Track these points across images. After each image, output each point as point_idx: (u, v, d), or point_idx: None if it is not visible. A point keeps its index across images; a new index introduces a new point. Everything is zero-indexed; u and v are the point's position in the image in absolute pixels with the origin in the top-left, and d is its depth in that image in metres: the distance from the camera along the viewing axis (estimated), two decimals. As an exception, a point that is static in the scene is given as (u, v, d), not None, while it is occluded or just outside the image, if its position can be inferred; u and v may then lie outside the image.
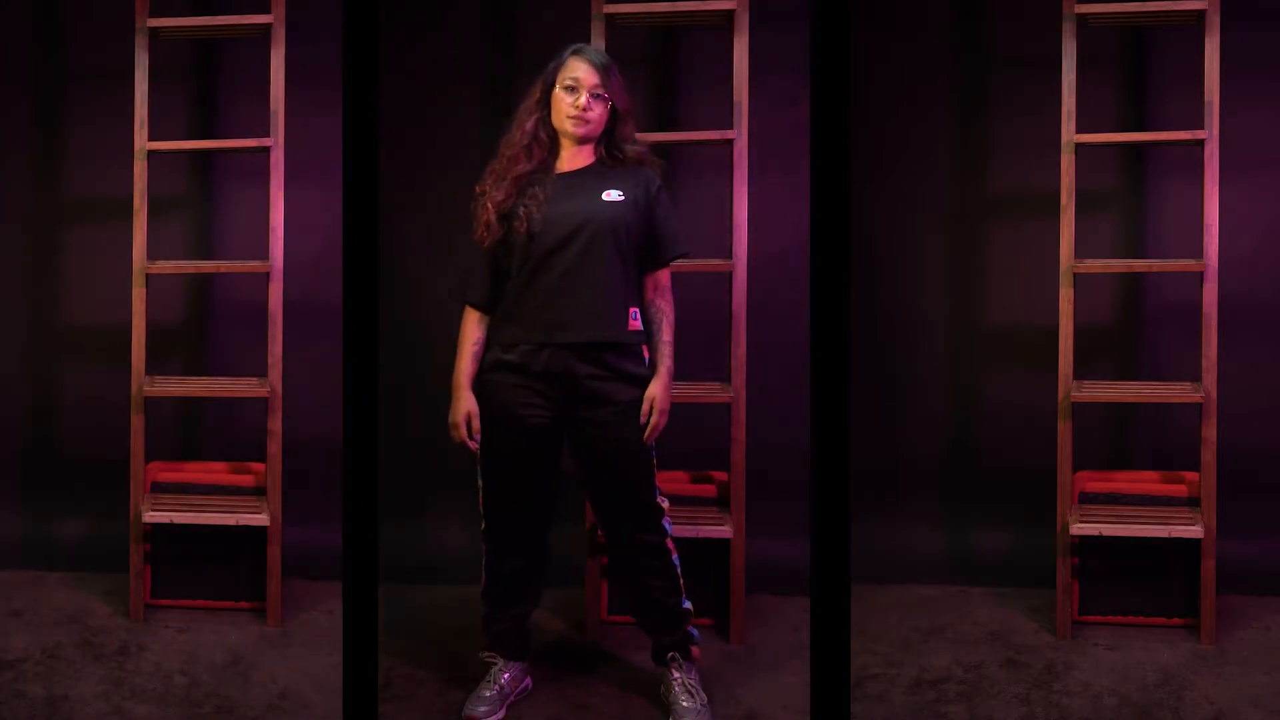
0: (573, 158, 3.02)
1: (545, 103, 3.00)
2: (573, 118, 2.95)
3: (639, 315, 2.99)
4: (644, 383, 2.97)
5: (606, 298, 2.93)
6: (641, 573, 3.05)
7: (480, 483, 3.03)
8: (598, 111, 2.96)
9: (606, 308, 2.93)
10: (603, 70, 2.96)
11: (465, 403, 2.98)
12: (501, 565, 3.07)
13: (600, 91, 2.95)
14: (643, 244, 2.99)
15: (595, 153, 3.03)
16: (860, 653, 3.31)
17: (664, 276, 3.04)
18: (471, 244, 3.02)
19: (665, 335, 3.00)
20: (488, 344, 3.00)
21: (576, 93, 2.95)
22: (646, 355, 3.00)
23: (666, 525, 3.05)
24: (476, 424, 2.97)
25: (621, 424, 2.95)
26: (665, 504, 3.05)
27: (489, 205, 2.97)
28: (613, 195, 2.96)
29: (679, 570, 3.06)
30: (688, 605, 3.09)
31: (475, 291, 3.02)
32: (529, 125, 3.01)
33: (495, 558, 3.07)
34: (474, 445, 2.98)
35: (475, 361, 3.00)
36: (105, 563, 3.85)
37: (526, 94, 3.04)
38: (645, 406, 2.95)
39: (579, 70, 2.95)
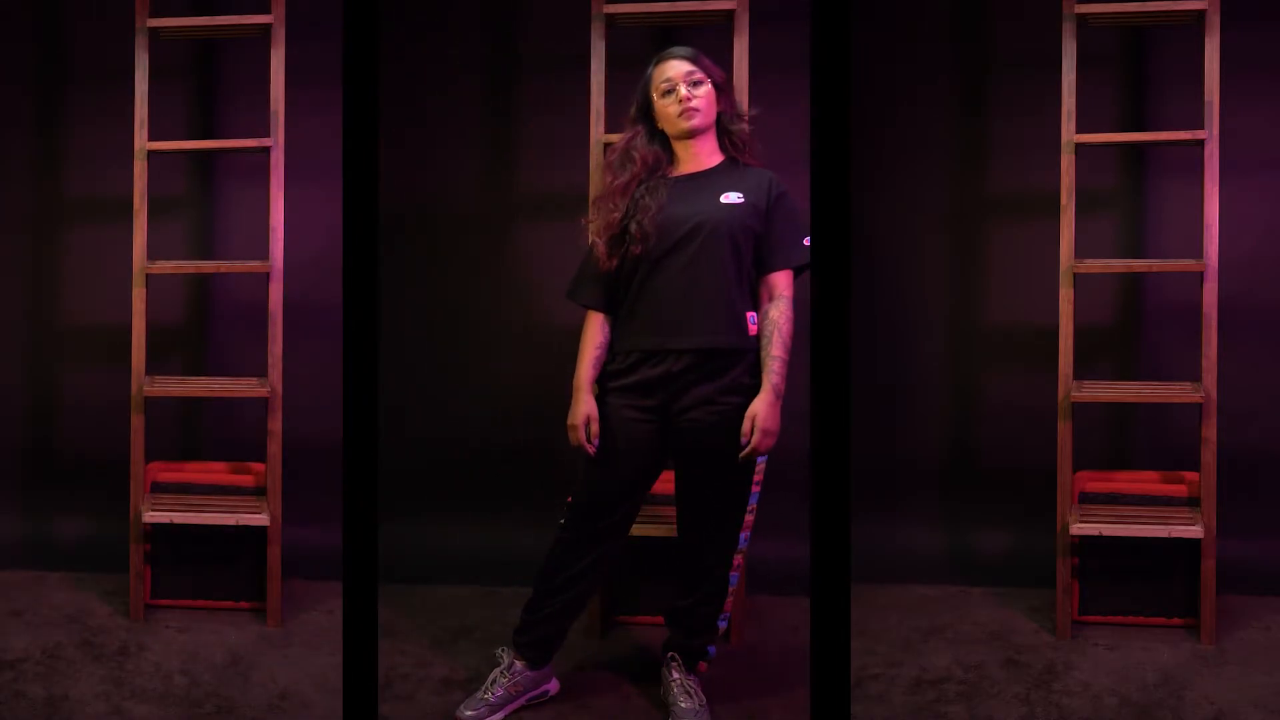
0: (694, 159, 2.98)
1: (642, 117, 2.98)
2: (681, 113, 2.91)
3: (758, 321, 2.92)
4: (752, 392, 2.89)
5: (721, 302, 2.87)
6: (698, 577, 3.02)
7: (580, 481, 2.97)
8: (702, 95, 2.93)
9: (721, 312, 2.87)
10: (691, 58, 2.94)
11: (585, 405, 2.94)
12: (566, 554, 2.98)
13: (696, 76, 2.92)
14: (760, 248, 2.92)
15: (722, 150, 2.99)
16: (860, 653, 3.31)
17: (781, 283, 2.92)
18: (585, 248, 3.02)
19: (775, 350, 2.87)
20: (611, 349, 2.98)
21: (674, 91, 2.92)
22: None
23: (743, 539, 3.01)
24: (595, 427, 2.93)
25: (722, 430, 2.87)
26: (752, 516, 2.99)
27: (599, 233, 2.95)
28: (731, 198, 2.91)
29: (731, 587, 3.03)
30: (723, 624, 3.07)
31: (590, 295, 2.99)
32: (620, 143, 3.00)
33: (562, 548, 2.99)
34: (591, 448, 2.94)
35: (596, 366, 2.97)
36: (105, 563, 3.85)
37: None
38: (746, 425, 2.85)
39: (668, 70, 2.94)
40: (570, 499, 3.00)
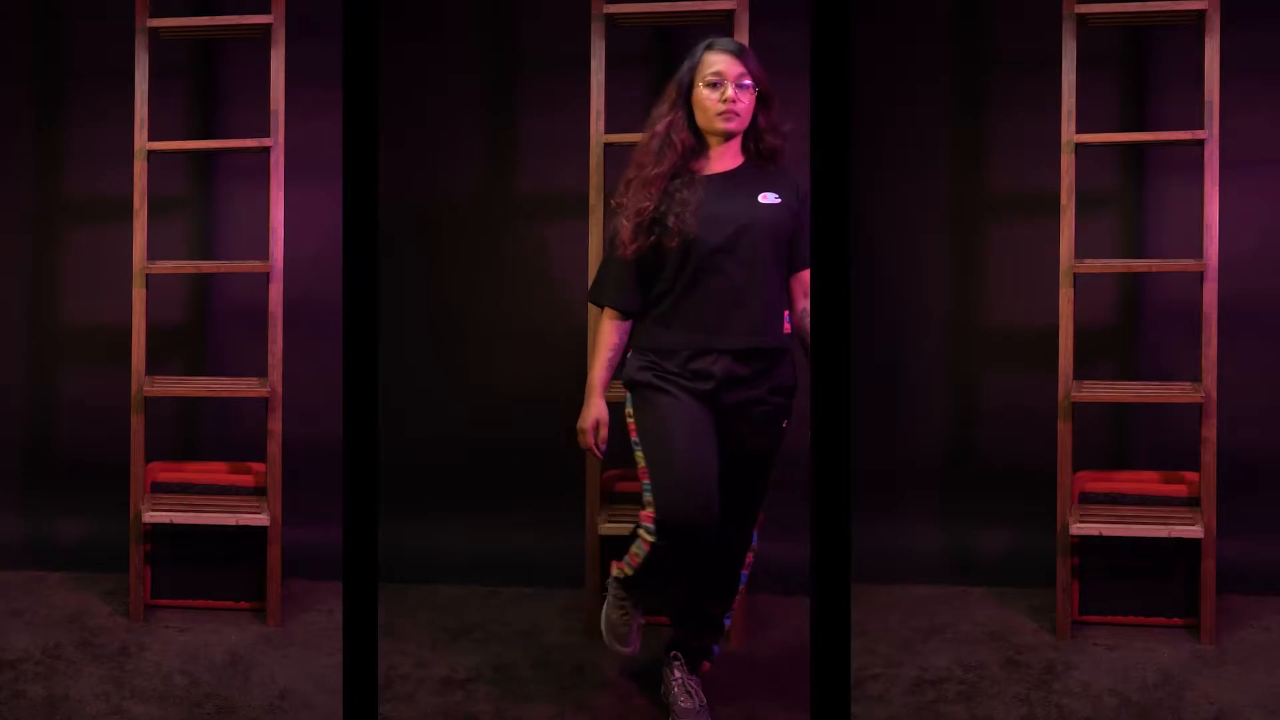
0: (720, 157, 2.93)
1: (683, 103, 2.91)
2: (722, 113, 2.86)
3: (788, 319, 2.92)
4: (791, 393, 2.90)
5: (767, 303, 2.86)
6: (707, 576, 3.00)
7: (649, 479, 2.80)
8: (746, 102, 2.87)
9: (766, 313, 2.86)
10: (742, 58, 2.88)
11: (595, 409, 2.90)
12: (667, 553, 2.80)
13: (745, 80, 2.87)
14: (790, 247, 2.91)
15: (744, 150, 2.94)
16: (860, 653, 3.31)
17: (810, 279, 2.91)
18: (611, 251, 2.92)
19: None
20: (636, 349, 2.91)
21: (721, 87, 2.86)
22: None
23: (754, 537, 3.00)
24: (605, 432, 2.90)
25: (759, 432, 2.88)
26: (762, 515, 2.99)
27: (627, 217, 2.86)
28: (770, 199, 2.88)
29: (741, 585, 3.03)
30: (728, 623, 3.07)
31: (619, 297, 2.91)
32: (660, 128, 2.91)
33: (661, 550, 2.80)
34: (599, 454, 2.92)
35: (611, 368, 2.93)
36: (105, 563, 3.85)
37: (659, 100, 2.95)
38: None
39: (719, 63, 2.86)
40: (646, 514, 2.81)
